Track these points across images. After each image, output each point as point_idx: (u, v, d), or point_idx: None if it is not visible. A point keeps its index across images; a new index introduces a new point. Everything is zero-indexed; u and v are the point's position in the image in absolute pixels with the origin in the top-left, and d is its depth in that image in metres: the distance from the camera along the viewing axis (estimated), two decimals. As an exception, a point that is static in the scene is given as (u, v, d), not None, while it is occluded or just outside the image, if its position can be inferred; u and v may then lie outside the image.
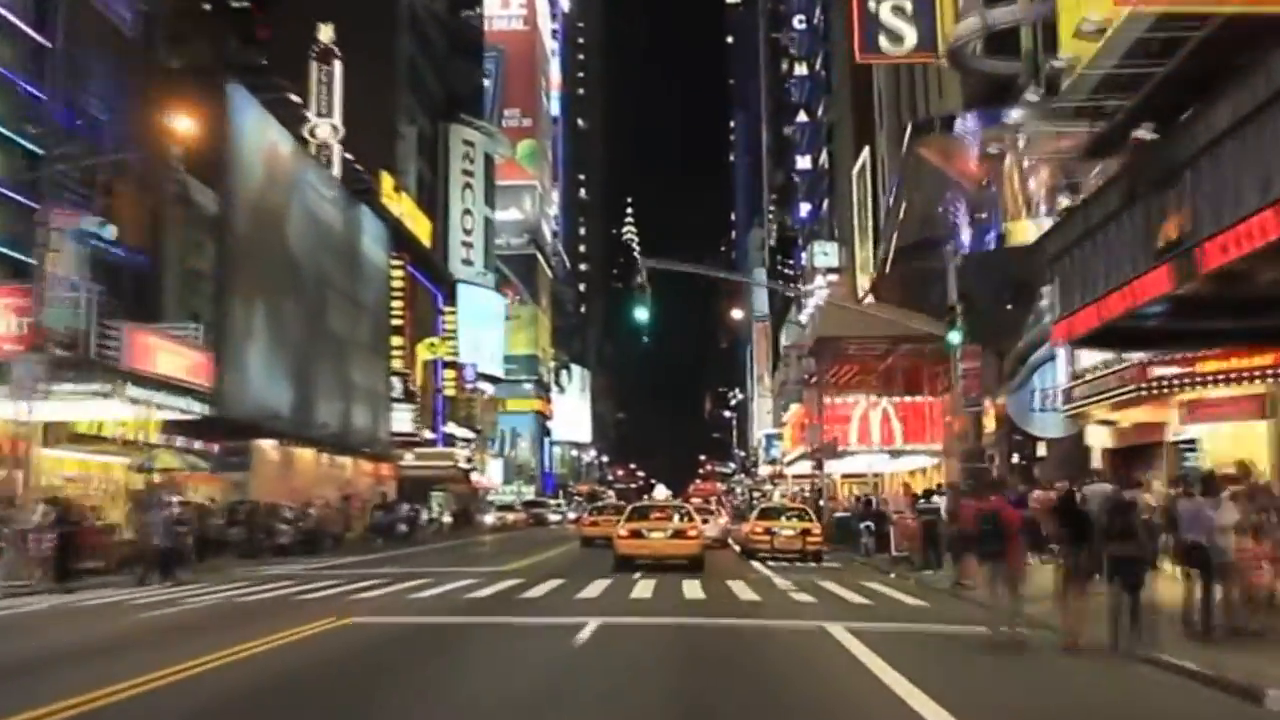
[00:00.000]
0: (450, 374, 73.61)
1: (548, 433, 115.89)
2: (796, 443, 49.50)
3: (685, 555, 26.98)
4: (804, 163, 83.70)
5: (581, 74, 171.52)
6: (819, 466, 43.04)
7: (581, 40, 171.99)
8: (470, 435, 70.49)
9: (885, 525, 28.13)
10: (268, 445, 42.37)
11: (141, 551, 26.94)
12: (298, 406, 44.79)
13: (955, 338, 22.10)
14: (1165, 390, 19.51)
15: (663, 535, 27.73)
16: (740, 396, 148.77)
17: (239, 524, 34.54)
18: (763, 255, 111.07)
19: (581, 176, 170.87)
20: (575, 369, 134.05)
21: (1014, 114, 29.08)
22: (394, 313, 61.51)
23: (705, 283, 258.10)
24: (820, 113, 79.60)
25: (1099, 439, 26.37)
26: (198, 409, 31.78)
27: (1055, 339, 19.47)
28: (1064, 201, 24.61)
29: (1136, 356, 20.13)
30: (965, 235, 31.91)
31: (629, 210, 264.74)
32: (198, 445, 37.45)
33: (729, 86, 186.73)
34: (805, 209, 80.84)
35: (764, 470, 76.23)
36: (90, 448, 30.21)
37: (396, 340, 61.49)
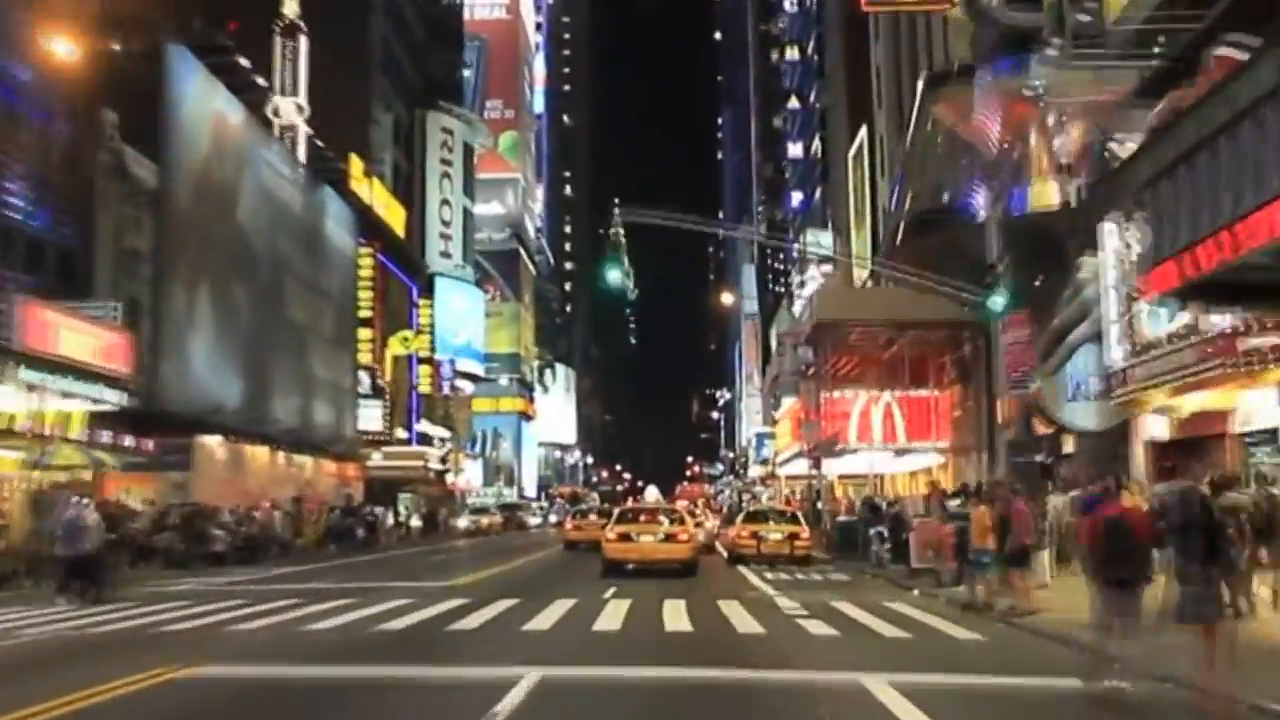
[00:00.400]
0: (425, 370, 69.46)
1: (530, 434, 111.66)
2: (792, 441, 45.50)
3: (676, 560, 25.16)
4: (795, 150, 79.92)
5: (567, 69, 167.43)
6: (816, 466, 39.03)
7: (567, 36, 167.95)
8: (445, 435, 66.26)
9: (903, 532, 24.06)
10: (213, 442, 38.22)
11: (36, 561, 22.95)
12: (249, 400, 40.68)
13: (998, 302, 17.99)
14: (1264, 366, 15.50)
15: (653, 539, 25.77)
16: (728, 396, 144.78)
17: (169, 529, 30.37)
18: (751, 250, 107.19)
19: (567, 174, 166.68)
20: (560, 368, 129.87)
21: (1040, 64, 25.31)
22: (362, 303, 57.43)
23: (695, 280, 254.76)
24: (812, 98, 75.82)
25: (1151, 430, 22.38)
26: (112, 398, 27.65)
27: (1148, 291, 15.44)
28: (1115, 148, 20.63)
29: (1223, 325, 16.13)
30: (983, 200, 28.00)
31: (616, 210, 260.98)
32: (129, 441, 33.35)
33: (717, 83, 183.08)
34: (797, 198, 77.06)
35: (755, 471, 72.22)
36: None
37: (365, 333, 57.41)
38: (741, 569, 27.74)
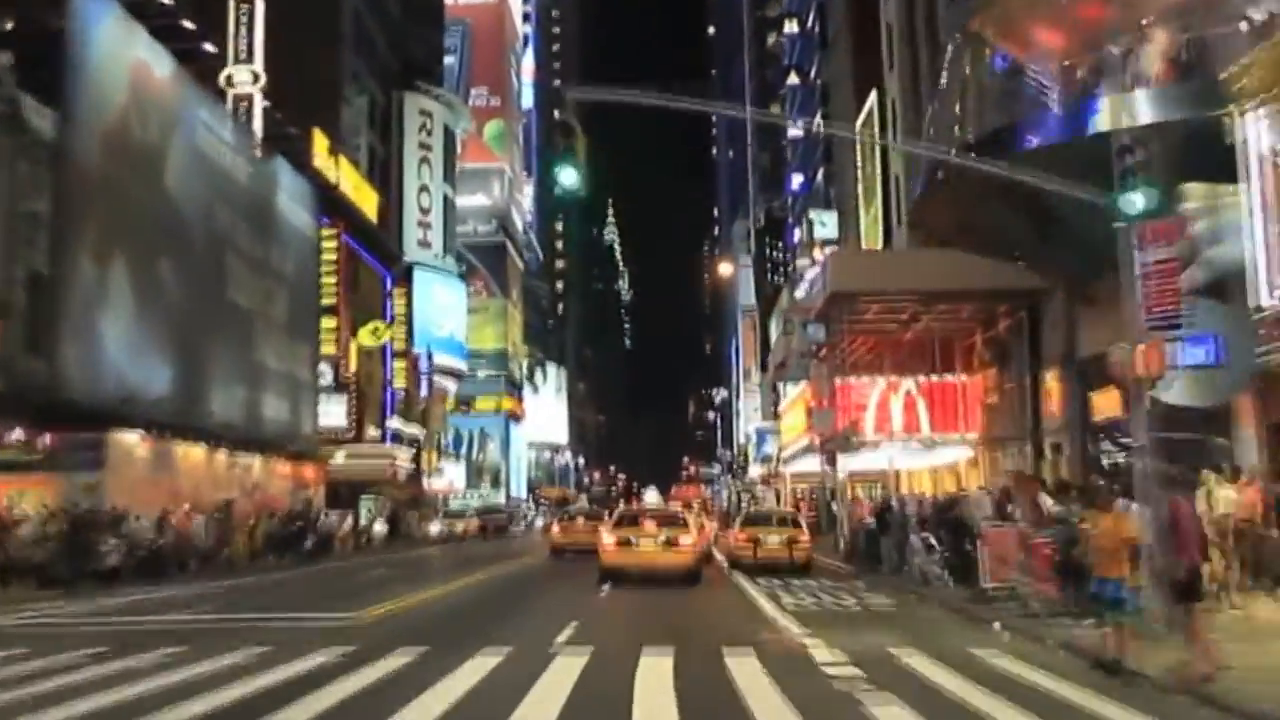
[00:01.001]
0: (400, 364, 63.67)
1: (520, 435, 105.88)
2: (800, 434, 39.78)
3: (679, 568, 22.91)
4: (795, 130, 74.20)
5: (557, 65, 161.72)
6: (830, 462, 33.33)
7: (557, 30, 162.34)
8: (418, 433, 60.44)
9: (964, 541, 18.32)
10: (131, 438, 32.48)
11: None
12: (180, 391, 34.97)
13: (1136, 200, 12.07)
14: None
15: (654, 544, 23.15)
16: (724, 395, 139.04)
17: (50, 540, 24.69)
18: (749, 244, 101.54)
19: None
20: (551, 367, 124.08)
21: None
22: (325, 289, 51.65)
23: (689, 281, 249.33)
24: (813, 73, 70.19)
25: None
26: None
27: None
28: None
29: None
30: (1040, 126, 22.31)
31: (610, 212, 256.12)
32: (16, 435, 27.77)
33: (711, 79, 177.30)
34: (797, 181, 71.49)
35: (755, 471, 66.44)
36: None
37: (328, 322, 51.61)
38: (748, 586, 22.38)
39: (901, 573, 21.69)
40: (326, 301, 51.67)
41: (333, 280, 52.18)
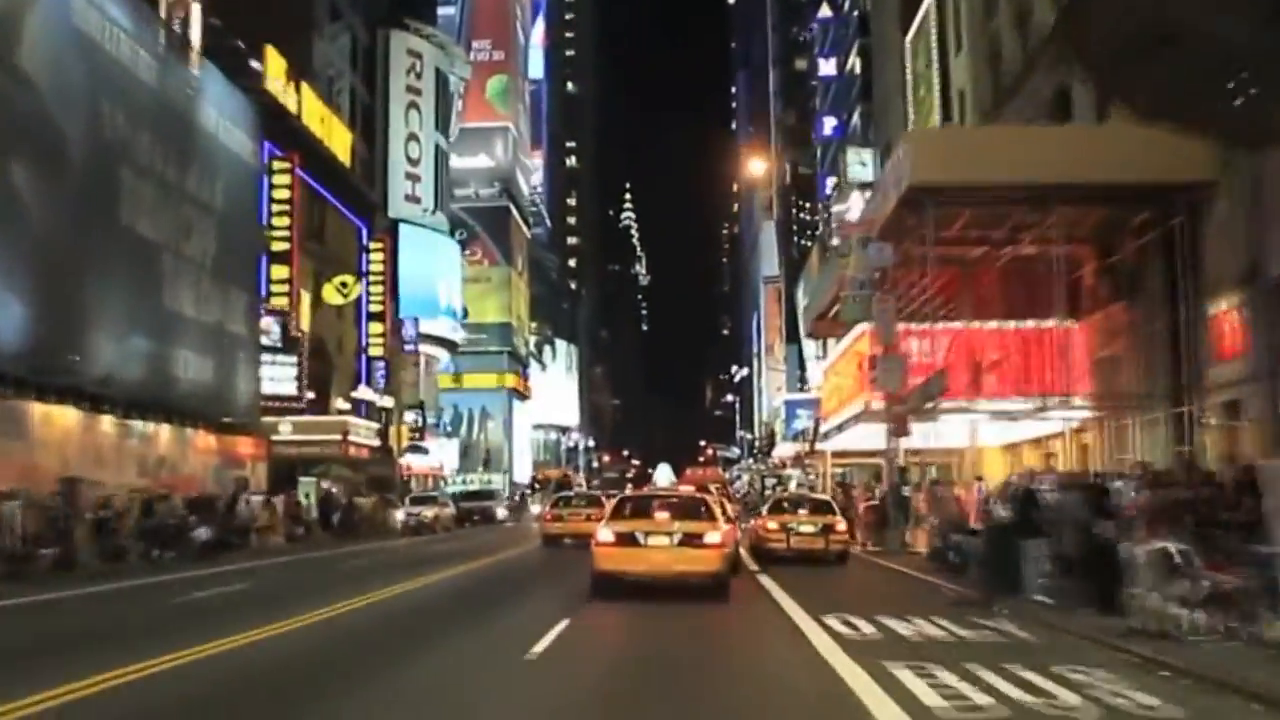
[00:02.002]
0: (378, 329, 54.70)
1: (525, 414, 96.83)
2: (850, 397, 30.42)
3: (701, 576, 15.06)
4: (828, 68, 64.81)
5: (570, 34, 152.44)
6: (899, 430, 24.06)
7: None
8: (386, 402, 51.21)
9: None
10: (-49, 395, 23.57)
11: None
12: (41, 337, 26.17)
13: None
14: None
15: (668, 542, 15.09)
16: (744, 373, 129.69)
17: None
18: (771, 209, 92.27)
19: (571, 144, 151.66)
20: (560, 344, 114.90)
21: None
22: (275, 232, 42.69)
23: (708, 264, 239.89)
24: (847, 4, 60.86)
25: None
26: None
27: None
28: None
29: None
30: None
31: (627, 194, 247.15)
32: None
33: (731, 51, 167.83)
34: (830, 125, 62.20)
35: (784, 450, 57.05)
36: None
37: (279, 270, 42.65)
38: (795, 610, 13.22)
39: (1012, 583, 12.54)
40: (278, 247, 42.74)
41: (285, 223, 43.16)
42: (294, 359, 41.18)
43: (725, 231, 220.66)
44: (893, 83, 48.06)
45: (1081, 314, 26.39)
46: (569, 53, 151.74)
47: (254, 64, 42.18)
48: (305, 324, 42.77)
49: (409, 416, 54.75)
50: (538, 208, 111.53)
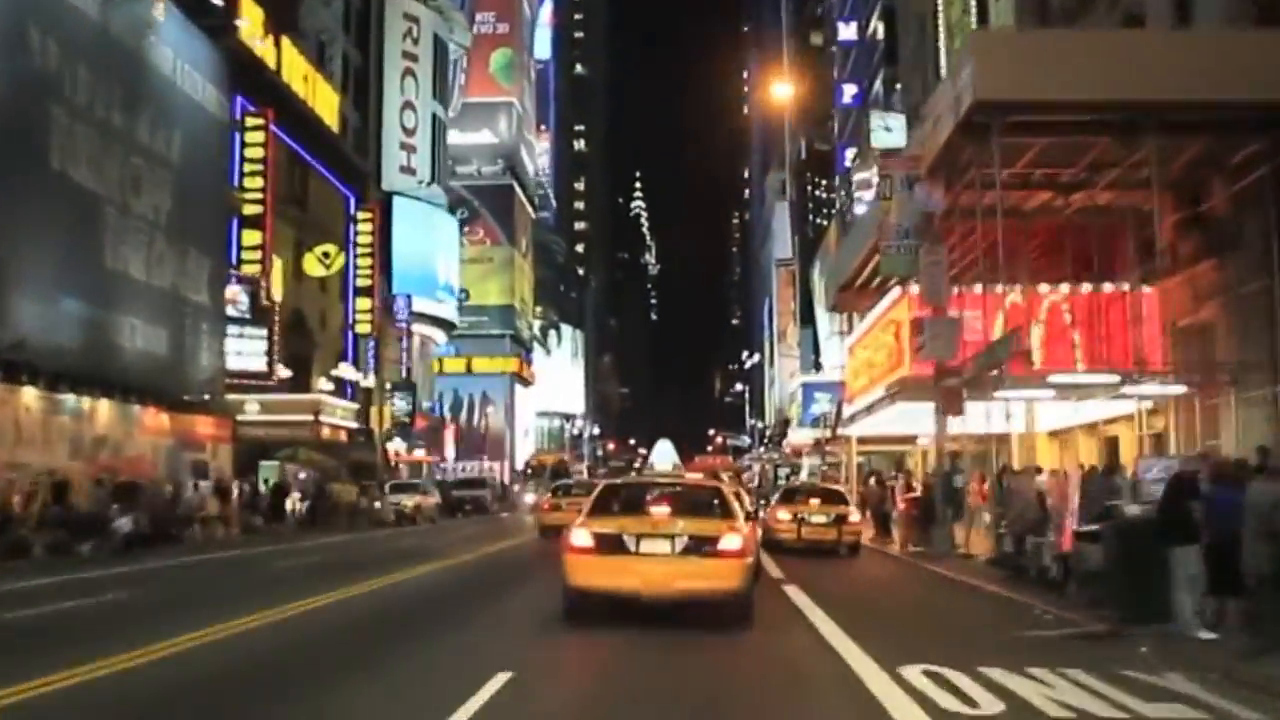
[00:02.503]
0: (365, 304, 50.65)
1: (528, 400, 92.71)
2: (879, 377, 26.08)
3: (714, 593, 10.63)
4: (848, 32, 60.45)
5: (579, 16, 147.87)
6: (951, 408, 19.85)
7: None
8: (364, 379, 46.93)
9: None
10: None
11: None
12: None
13: None
14: None
15: (668, 548, 10.51)
16: (755, 360, 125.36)
17: None
18: (784, 190, 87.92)
19: (580, 127, 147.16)
20: (566, 330, 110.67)
21: None
22: (248, 194, 38.69)
23: (717, 252, 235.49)
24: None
25: None
26: None
27: None
28: None
29: None
30: None
31: (637, 183, 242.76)
32: None
33: (744, 35, 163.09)
34: (850, 93, 57.89)
35: (801, 436, 52.65)
36: None
37: (252, 236, 38.73)
38: (865, 670, 8.62)
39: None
40: (250, 210, 38.77)
41: (258, 184, 39.13)
42: (264, 332, 37.15)
43: (736, 220, 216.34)
44: (918, 52, 43.83)
45: (1157, 276, 22.17)
46: (578, 34, 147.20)
47: (225, 7, 38.15)
48: (278, 293, 38.61)
49: (398, 401, 50.64)
50: (544, 190, 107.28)
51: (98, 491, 23.96)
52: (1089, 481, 12.52)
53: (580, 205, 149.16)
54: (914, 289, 24.08)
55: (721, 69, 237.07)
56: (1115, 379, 18.07)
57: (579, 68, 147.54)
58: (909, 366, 23.48)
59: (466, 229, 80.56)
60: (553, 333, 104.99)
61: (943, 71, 40.32)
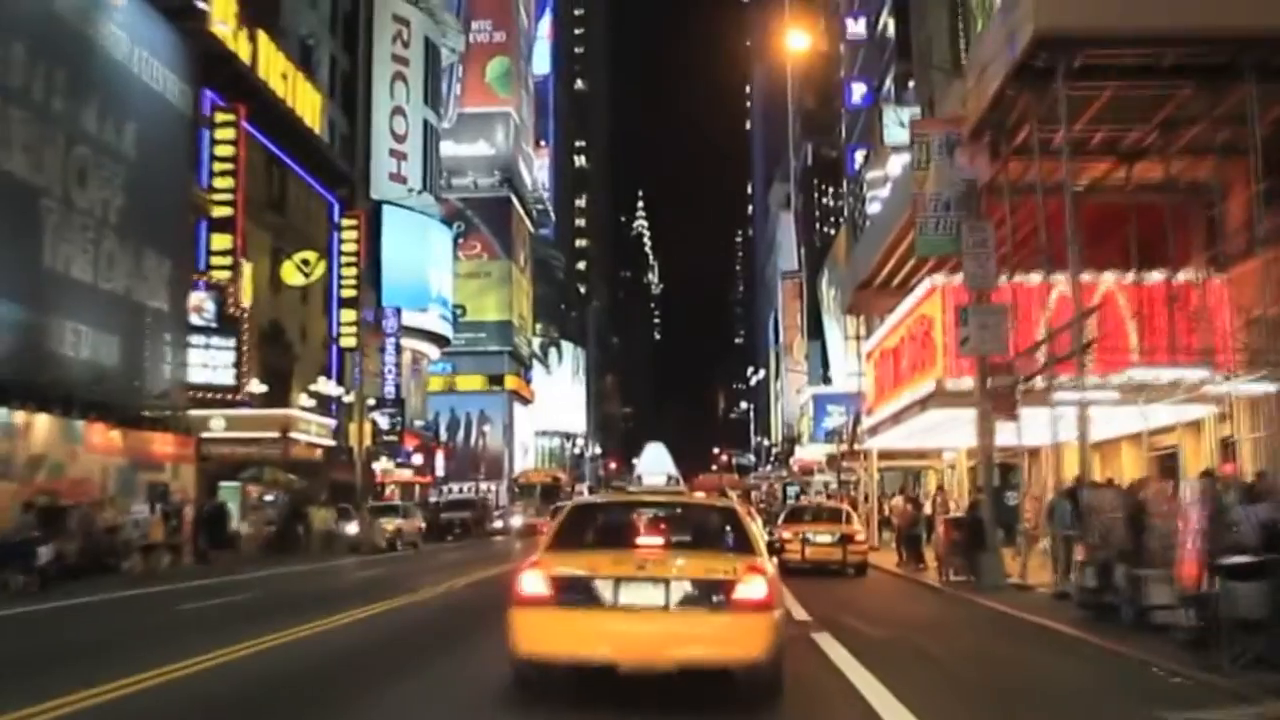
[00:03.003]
0: (350, 316, 47.60)
1: (528, 419, 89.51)
2: (910, 384, 22.74)
3: (728, 663, 7.08)
4: (856, 29, 57.59)
5: (580, 30, 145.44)
6: (1004, 412, 16.65)
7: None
8: (341, 393, 43.53)
9: None
10: None
11: None
12: None
13: None
14: None
15: (660, 599, 6.90)
16: (760, 375, 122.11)
17: None
18: (789, 200, 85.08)
19: (581, 143, 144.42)
20: (567, 347, 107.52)
21: None
22: (217, 195, 35.74)
23: (720, 271, 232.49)
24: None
25: None
26: None
27: None
28: None
29: None
30: None
31: (640, 202, 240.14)
32: None
33: (746, 49, 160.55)
34: (859, 92, 55.00)
35: (812, 452, 49.25)
36: None
37: (220, 240, 35.71)
38: None
39: None
40: (219, 213, 35.78)
41: (228, 184, 36.18)
42: (232, 342, 34.09)
43: (739, 238, 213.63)
44: (934, 44, 40.88)
45: (1231, 261, 19.11)
46: (578, 49, 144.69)
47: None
48: (247, 300, 35.56)
49: (386, 418, 47.53)
50: (544, 205, 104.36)
51: (23, 517, 20.82)
52: (1218, 497, 9.43)
53: (582, 222, 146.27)
54: (945, 280, 21.05)
55: (724, 88, 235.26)
56: (1203, 373, 14.94)
57: (579, 83, 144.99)
58: (942, 368, 20.35)
59: (463, 242, 77.72)
60: (553, 350, 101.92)
61: (963, 57, 37.41)
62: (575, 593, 6.96)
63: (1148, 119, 16.26)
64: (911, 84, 46.62)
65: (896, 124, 43.05)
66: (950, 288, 20.51)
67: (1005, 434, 19.53)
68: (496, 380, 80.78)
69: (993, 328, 16.44)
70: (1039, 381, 16.94)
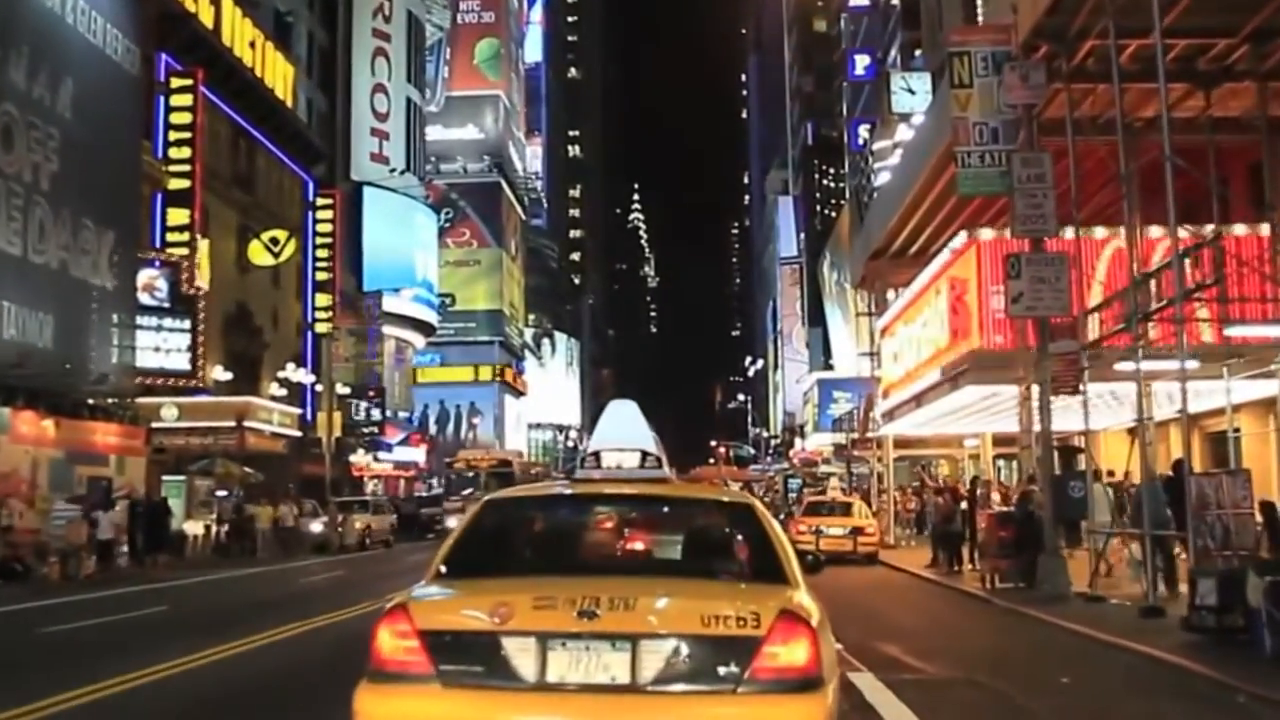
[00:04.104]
0: (325, 300, 44.55)
1: (519, 411, 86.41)
2: (934, 359, 19.70)
3: None
4: (860, -1, 54.54)
5: (573, 19, 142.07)
6: (1066, 385, 13.60)
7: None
8: (309, 380, 40.16)
9: None
10: None
11: None
12: None
13: None
14: None
15: (621, 672, 3.60)
16: (759, 365, 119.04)
17: None
18: (788, 182, 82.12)
19: (574, 132, 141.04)
20: (560, 338, 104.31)
21: None
22: (174, 167, 32.75)
23: (717, 265, 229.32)
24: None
25: None
26: None
27: None
28: None
29: None
30: None
31: (636, 195, 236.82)
32: None
33: (743, 37, 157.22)
34: (862, 64, 51.94)
35: (817, 442, 46.18)
36: None
37: (177, 214, 32.73)
38: None
39: None
40: (175, 185, 32.77)
41: (186, 155, 33.16)
42: (188, 325, 31.02)
43: (735, 229, 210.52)
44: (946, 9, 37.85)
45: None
46: (572, 38, 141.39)
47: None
48: (204, 280, 32.51)
49: (361, 407, 44.46)
50: (537, 194, 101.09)
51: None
52: None
53: (576, 213, 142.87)
54: (982, 236, 18.02)
55: (720, 79, 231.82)
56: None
57: (573, 71, 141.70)
58: (979, 338, 17.33)
59: (451, 229, 74.69)
60: (546, 341, 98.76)
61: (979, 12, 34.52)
62: (472, 659, 3.85)
63: (1244, 24, 13.20)
64: (919, 52, 43.68)
65: (905, 90, 40.10)
66: (988, 244, 17.48)
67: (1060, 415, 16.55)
68: (492, 371, 77.62)
69: (1051, 282, 13.43)
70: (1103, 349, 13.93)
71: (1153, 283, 13.66)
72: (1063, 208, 15.65)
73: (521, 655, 3.80)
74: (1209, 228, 15.65)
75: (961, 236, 17.98)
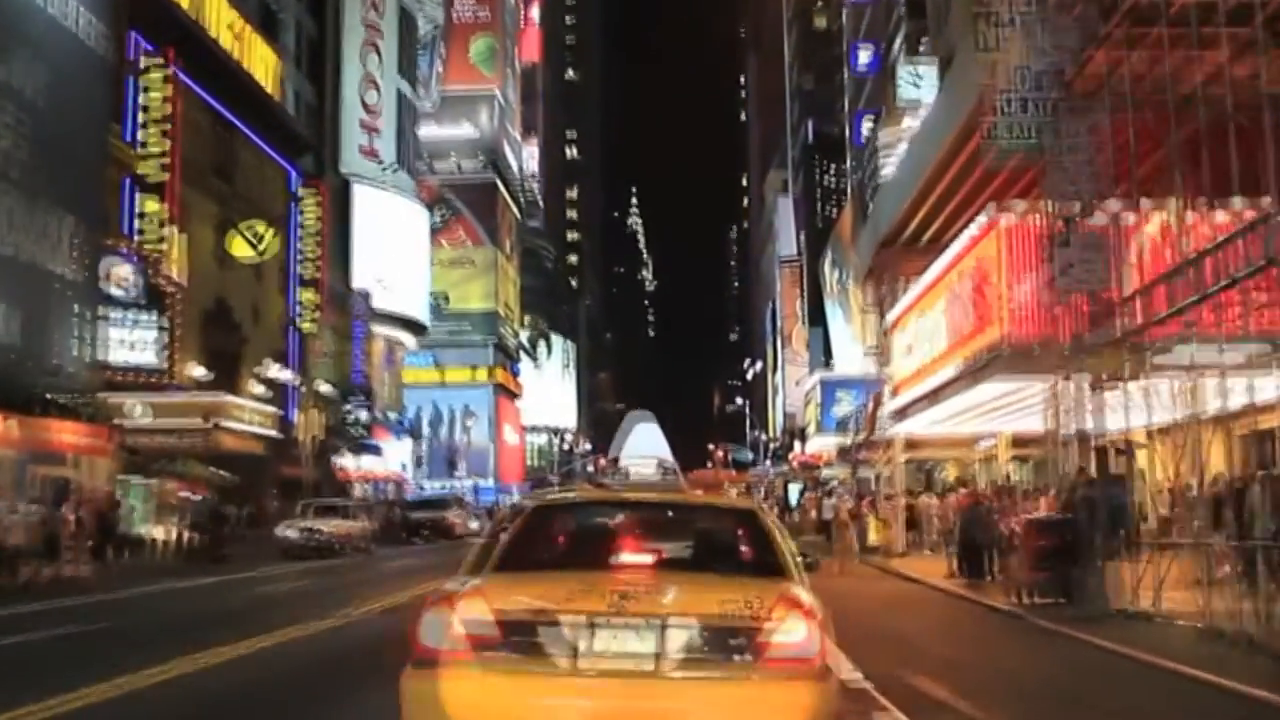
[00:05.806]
0: (309, 297, 42.94)
1: (515, 413, 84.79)
2: (951, 349, 18.08)
3: None
4: (862, -13, 52.95)
5: (571, 20, 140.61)
6: (1104, 379, 11.91)
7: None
8: (289, 377, 38.44)
9: None
10: None
11: None
12: None
13: None
14: None
15: (648, 651, 4.41)
16: (758, 367, 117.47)
17: None
18: (787, 181, 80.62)
19: (572, 134, 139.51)
20: (557, 340, 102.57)
21: None
22: (148, 151, 31.17)
23: (715, 269, 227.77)
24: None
25: None
26: None
27: None
28: None
29: None
30: None
31: (634, 198, 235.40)
32: None
33: (741, 41, 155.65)
34: (865, 57, 50.29)
35: (821, 444, 44.37)
36: None
37: (150, 203, 31.18)
38: None
39: None
40: (147, 172, 31.25)
41: (159, 140, 31.58)
42: (159, 319, 29.37)
43: (733, 233, 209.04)
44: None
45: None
46: (569, 40, 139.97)
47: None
48: (177, 272, 30.90)
49: (347, 407, 42.81)
50: (533, 194, 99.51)
51: None
52: None
53: (573, 215, 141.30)
54: (1004, 220, 16.41)
55: (718, 82, 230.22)
56: None
57: (571, 72, 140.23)
58: (1006, 325, 15.72)
59: (445, 228, 73.12)
60: (542, 343, 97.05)
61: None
62: (514, 645, 4.38)
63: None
64: (926, 37, 42.12)
65: (911, 82, 38.60)
66: (1013, 228, 15.88)
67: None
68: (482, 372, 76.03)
69: (1094, 258, 11.83)
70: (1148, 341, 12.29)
71: (1206, 263, 12.07)
72: (1100, 181, 14.06)
73: (560, 637, 4.34)
74: (1266, 200, 14.05)
75: (982, 217, 16.37)
